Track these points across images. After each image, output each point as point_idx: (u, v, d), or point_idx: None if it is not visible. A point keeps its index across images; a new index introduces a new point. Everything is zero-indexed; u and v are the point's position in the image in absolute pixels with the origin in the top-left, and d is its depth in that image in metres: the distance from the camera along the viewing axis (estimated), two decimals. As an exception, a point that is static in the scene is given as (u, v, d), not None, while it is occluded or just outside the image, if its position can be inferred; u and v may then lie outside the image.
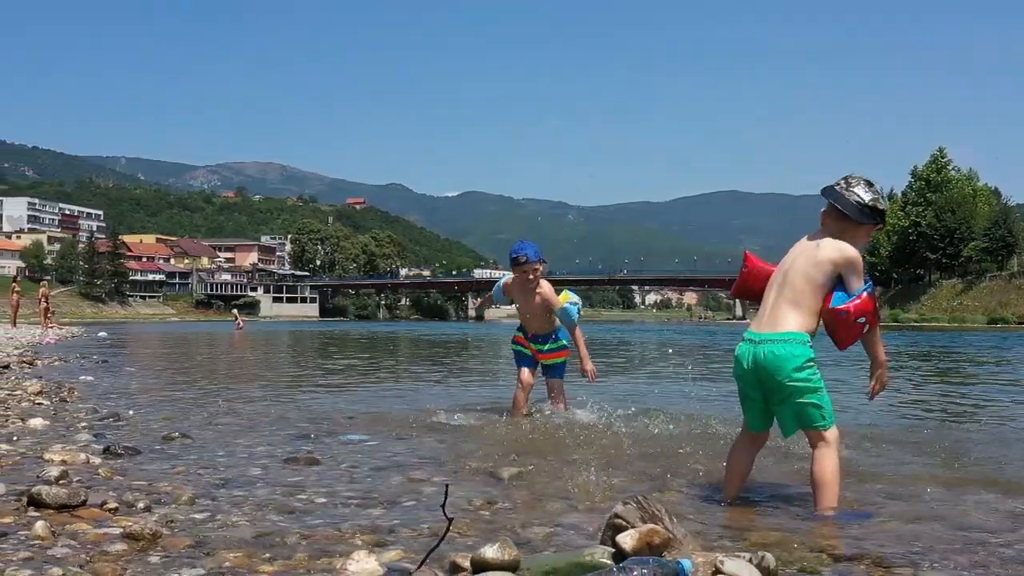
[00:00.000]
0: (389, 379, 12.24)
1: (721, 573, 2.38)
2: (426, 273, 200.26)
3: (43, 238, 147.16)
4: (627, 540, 2.63)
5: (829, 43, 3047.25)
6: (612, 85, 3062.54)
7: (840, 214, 3.79)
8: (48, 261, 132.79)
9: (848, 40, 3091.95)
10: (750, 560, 2.56)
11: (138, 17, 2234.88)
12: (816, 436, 3.74)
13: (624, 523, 2.74)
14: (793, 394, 3.70)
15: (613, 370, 13.05)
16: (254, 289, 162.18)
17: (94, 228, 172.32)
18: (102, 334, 31.77)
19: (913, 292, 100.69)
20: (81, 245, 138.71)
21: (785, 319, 3.76)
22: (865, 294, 3.73)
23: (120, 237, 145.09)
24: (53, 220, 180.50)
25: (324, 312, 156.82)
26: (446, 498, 2.63)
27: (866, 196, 3.78)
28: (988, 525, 3.53)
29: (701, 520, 3.61)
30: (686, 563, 2.51)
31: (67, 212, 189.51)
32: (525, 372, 7.04)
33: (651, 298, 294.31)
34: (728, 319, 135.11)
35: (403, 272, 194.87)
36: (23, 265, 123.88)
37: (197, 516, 3.49)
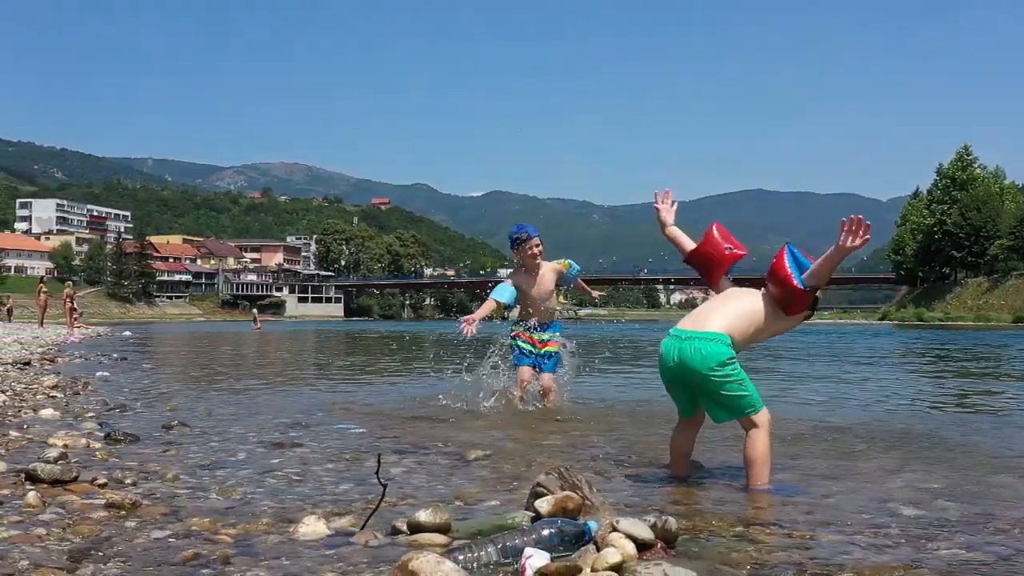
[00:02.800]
0: (395, 374, 12.57)
1: (616, 530, 2.68)
2: (451, 273, 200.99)
3: (72, 239, 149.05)
4: (543, 505, 2.95)
5: (854, 39, 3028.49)
6: (637, 84, 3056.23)
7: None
8: (76, 262, 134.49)
9: (873, 37, 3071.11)
10: (654, 524, 2.85)
11: (165, 19, 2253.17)
12: (747, 421, 4.03)
13: (544, 491, 3.07)
14: (717, 388, 3.97)
15: (610, 367, 13.31)
16: (279, 289, 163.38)
17: (122, 229, 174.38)
18: (126, 333, 32.33)
19: (939, 291, 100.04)
20: (109, 246, 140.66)
21: (714, 321, 4.06)
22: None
23: (147, 238, 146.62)
24: (81, 221, 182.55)
25: (349, 312, 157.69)
26: (379, 466, 2.96)
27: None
28: (906, 500, 3.80)
29: (640, 494, 3.92)
30: (592, 524, 2.82)
31: (95, 213, 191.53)
32: (526, 371, 7.33)
33: (676, 297, 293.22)
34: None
35: (428, 272, 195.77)
36: (52, 266, 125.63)
37: (178, 491, 3.83)
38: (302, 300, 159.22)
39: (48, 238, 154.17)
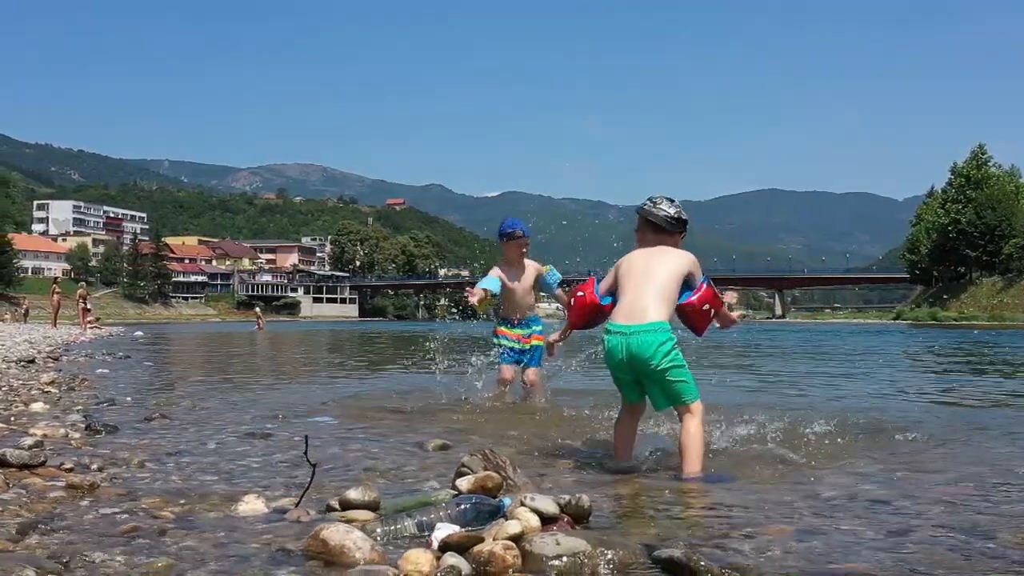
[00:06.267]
0: (388, 371, 12.77)
1: (524, 505, 2.87)
2: (465, 273, 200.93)
3: (88, 240, 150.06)
4: (463, 483, 3.15)
5: (869, 38, 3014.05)
6: (650, 84, 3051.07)
7: (656, 227, 4.54)
8: (93, 263, 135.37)
9: (888, 36, 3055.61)
10: (568, 501, 3.04)
11: (181, 21, 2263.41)
12: (683, 409, 4.28)
13: (468, 470, 3.26)
14: (664, 374, 4.22)
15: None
16: (294, 290, 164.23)
17: (138, 230, 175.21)
18: (138, 333, 32.66)
19: (953, 290, 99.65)
20: (125, 247, 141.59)
21: (649, 311, 4.29)
22: (704, 285, 4.40)
23: (163, 239, 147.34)
24: (98, 223, 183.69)
25: (363, 312, 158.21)
26: (307, 447, 3.15)
27: (672, 211, 4.56)
28: (831, 483, 3.97)
29: (579, 477, 4.12)
30: (506, 500, 3.01)
31: (111, 215, 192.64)
32: (508, 370, 7.52)
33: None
34: (768, 318, 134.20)
35: (442, 272, 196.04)
36: (69, 267, 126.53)
37: (140, 475, 4.04)
38: (317, 300, 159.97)
39: (65, 239, 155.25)
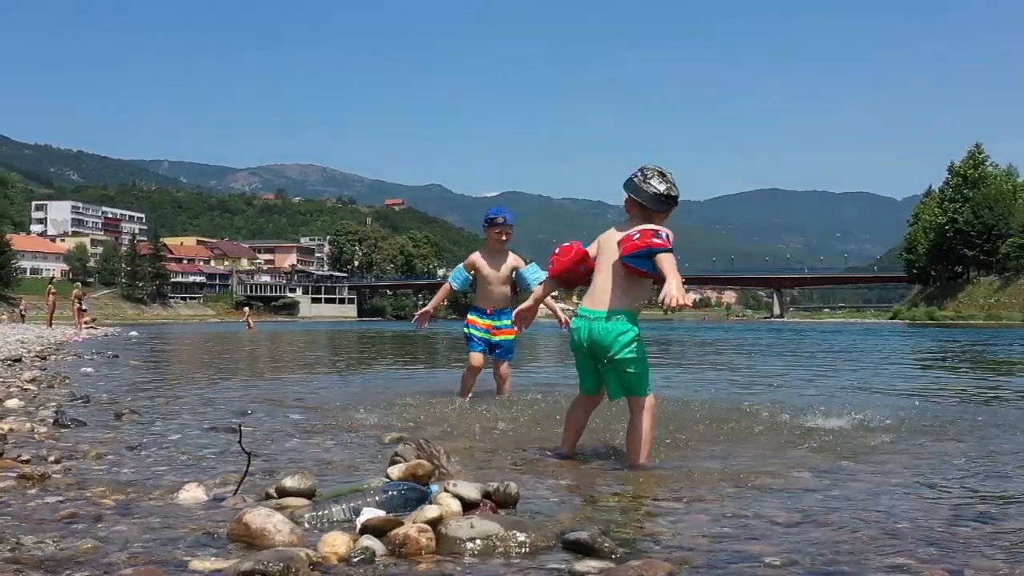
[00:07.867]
0: (369, 369, 12.87)
1: (447, 491, 2.97)
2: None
3: (86, 241, 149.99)
4: (395, 471, 3.25)
5: (868, 39, 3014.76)
6: (649, 84, 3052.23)
7: (641, 205, 4.33)
8: (91, 264, 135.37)
9: (887, 35, 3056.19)
10: (496, 488, 3.14)
11: (181, 20, 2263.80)
12: (635, 401, 4.30)
13: (401, 459, 3.36)
14: (620, 363, 4.23)
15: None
16: (293, 290, 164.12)
17: (136, 231, 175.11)
18: (132, 334, 32.74)
19: (951, 289, 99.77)
20: (123, 248, 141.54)
21: (613, 299, 4.28)
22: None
23: (161, 239, 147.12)
24: (96, 223, 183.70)
25: (362, 312, 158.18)
26: (240, 436, 3.25)
27: (661, 187, 4.30)
28: (767, 472, 4.07)
29: (526, 468, 4.22)
30: (434, 487, 3.11)
31: (110, 215, 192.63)
32: (477, 357, 7.55)
33: (690, 297, 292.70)
34: (766, 317, 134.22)
35: (440, 272, 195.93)
36: (67, 268, 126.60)
37: (95, 467, 4.13)
38: (315, 301, 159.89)
39: (63, 240, 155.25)
